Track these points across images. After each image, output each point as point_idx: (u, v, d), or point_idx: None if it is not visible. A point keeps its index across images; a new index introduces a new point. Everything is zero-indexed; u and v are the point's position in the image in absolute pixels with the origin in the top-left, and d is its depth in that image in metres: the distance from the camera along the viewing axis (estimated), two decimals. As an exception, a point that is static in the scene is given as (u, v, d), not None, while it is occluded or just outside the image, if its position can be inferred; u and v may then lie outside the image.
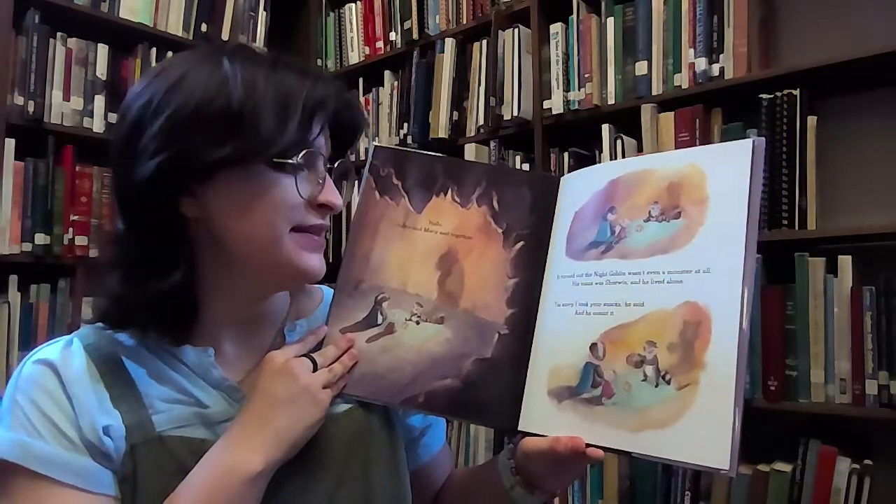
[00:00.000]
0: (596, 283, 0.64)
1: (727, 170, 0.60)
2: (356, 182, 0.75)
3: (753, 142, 0.60)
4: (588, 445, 0.59)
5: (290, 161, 0.62)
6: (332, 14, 2.56)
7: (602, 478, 1.76)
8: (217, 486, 0.58)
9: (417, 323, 0.69)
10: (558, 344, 0.65)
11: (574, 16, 1.88)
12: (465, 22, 2.16)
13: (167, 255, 0.63)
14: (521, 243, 0.71)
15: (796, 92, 1.55)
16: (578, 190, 0.69)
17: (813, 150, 1.54)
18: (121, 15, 2.08)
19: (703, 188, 0.61)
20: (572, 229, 0.68)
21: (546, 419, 0.63)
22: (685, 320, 0.58)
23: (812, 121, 1.55)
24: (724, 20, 1.66)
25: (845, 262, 1.49)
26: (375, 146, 0.73)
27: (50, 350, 0.65)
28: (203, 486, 0.58)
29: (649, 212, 0.63)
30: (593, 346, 0.62)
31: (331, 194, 0.66)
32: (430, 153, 0.78)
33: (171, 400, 0.64)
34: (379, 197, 0.72)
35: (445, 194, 0.72)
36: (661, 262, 0.61)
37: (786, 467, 1.53)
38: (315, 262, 0.66)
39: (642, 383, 0.58)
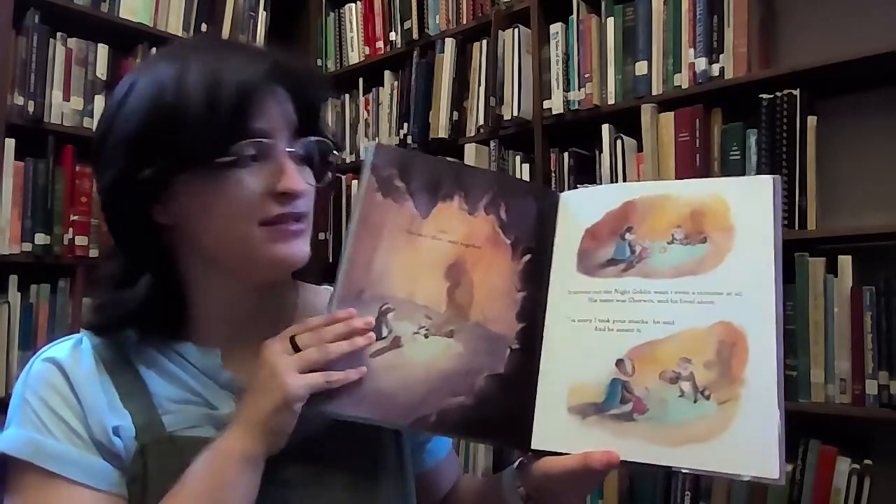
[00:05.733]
0: (618, 301, 0.65)
1: (750, 202, 0.64)
2: (329, 165, 0.70)
3: (773, 179, 0.64)
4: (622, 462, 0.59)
5: (229, 158, 0.60)
6: (332, 14, 2.56)
7: (602, 478, 1.75)
8: (204, 479, 0.58)
9: (426, 336, 0.64)
10: (578, 360, 0.65)
11: (574, 16, 1.88)
12: (465, 22, 2.16)
13: (147, 260, 0.65)
14: (529, 256, 0.69)
15: (796, 92, 1.55)
16: (586, 207, 0.70)
17: (813, 150, 1.54)
18: (121, 15, 2.08)
19: (727, 217, 0.64)
20: (584, 246, 0.68)
21: (568, 436, 0.62)
22: (720, 339, 0.60)
23: (812, 121, 1.55)
24: (724, 20, 1.66)
25: (845, 262, 1.49)
26: (377, 144, 0.69)
27: (59, 349, 0.65)
28: (194, 480, 0.58)
29: (672, 235, 0.65)
30: (620, 363, 0.63)
31: (289, 181, 0.62)
32: (433, 156, 0.76)
33: (180, 400, 0.64)
34: (382, 199, 0.67)
35: (452, 200, 0.68)
36: (689, 283, 0.63)
37: (786, 467, 1.53)
38: (290, 250, 0.64)
39: (679, 399, 0.60)
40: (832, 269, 1.51)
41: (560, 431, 0.63)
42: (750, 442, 0.57)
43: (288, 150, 0.64)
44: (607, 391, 0.62)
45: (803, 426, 1.55)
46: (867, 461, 1.47)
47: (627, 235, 0.67)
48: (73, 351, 0.65)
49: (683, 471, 0.59)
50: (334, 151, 0.70)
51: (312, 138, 0.67)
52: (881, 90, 1.62)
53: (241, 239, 0.62)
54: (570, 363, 0.65)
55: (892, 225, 1.51)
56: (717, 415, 0.58)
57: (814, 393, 1.50)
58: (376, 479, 0.68)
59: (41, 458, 0.58)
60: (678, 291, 0.63)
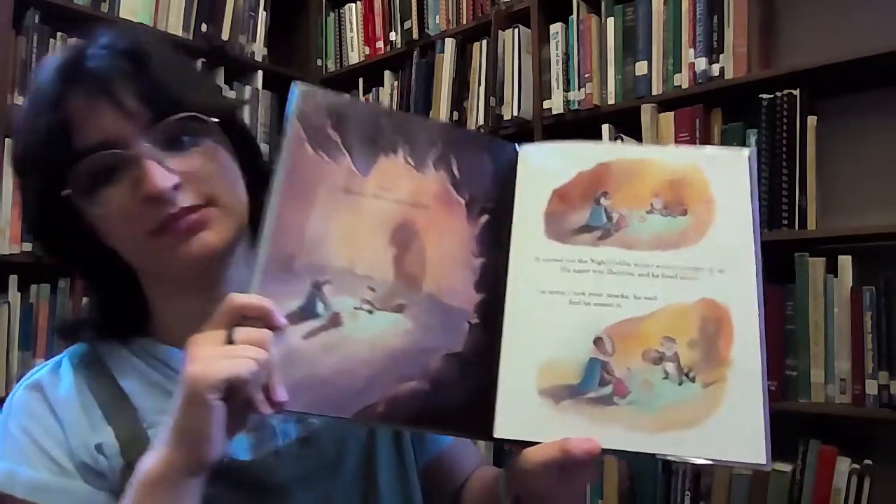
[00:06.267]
0: (595, 272, 0.60)
1: (728, 176, 0.62)
2: (210, 132, 0.61)
3: (750, 153, 0.63)
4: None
5: (74, 188, 0.57)
6: (332, 14, 2.56)
7: (602, 478, 1.76)
8: (142, 493, 0.52)
9: (370, 312, 0.56)
10: (549, 336, 0.59)
11: (574, 16, 1.88)
12: (465, 22, 2.16)
13: (99, 270, 0.66)
14: (487, 217, 0.61)
15: (796, 92, 1.56)
16: (553, 165, 0.64)
17: (813, 150, 1.54)
18: (121, 15, 2.08)
19: (706, 189, 0.62)
20: (552, 208, 0.62)
21: (539, 423, 0.57)
22: (704, 316, 0.58)
23: (812, 121, 1.55)
24: (724, 20, 1.66)
25: (845, 262, 1.49)
26: (301, 86, 0.58)
27: (40, 373, 0.65)
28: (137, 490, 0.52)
29: (652, 204, 0.62)
30: (598, 341, 0.58)
31: (148, 185, 0.56)
32: (370, 103, 0.71)
33: (166, 411, 0.60)
34: (313, 152, 0.57)
35: (396, 154, 0.60)
36: (672, 257, 0.60)
37: (786, 467, 1.53)
38: (192, 248, 0.58)
39: (664, 381, 0.56)
40: (832, 269, 1.51)
41: (529, 417, 0.57)
42: (737, 426, 0.55)
43: (145, 144, 0.57)
44: (584, 372, 0.57)
45: (803, 426, 1.55)
46: (867, 461, 1.48)
47: (603, 201, 0.62)
48: (52, 373, 0.64)
49: (668, 458, 0.56)
50: (203, 117, 0.60)
51: (173, 118, 0.58)
52: (881, 90, 1.62)
53: (141, 253, 0.61)
54: (541, 340, 0.59)
55: (892, 225, 1.51)
56: (702, 398, 0.56)
57: (814, 393, 1.50)
58: (374, 472, 0.67)
59: (18, 487, 0.58)
60: (660, 265, 0.59)
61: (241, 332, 0.50)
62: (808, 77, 1.56)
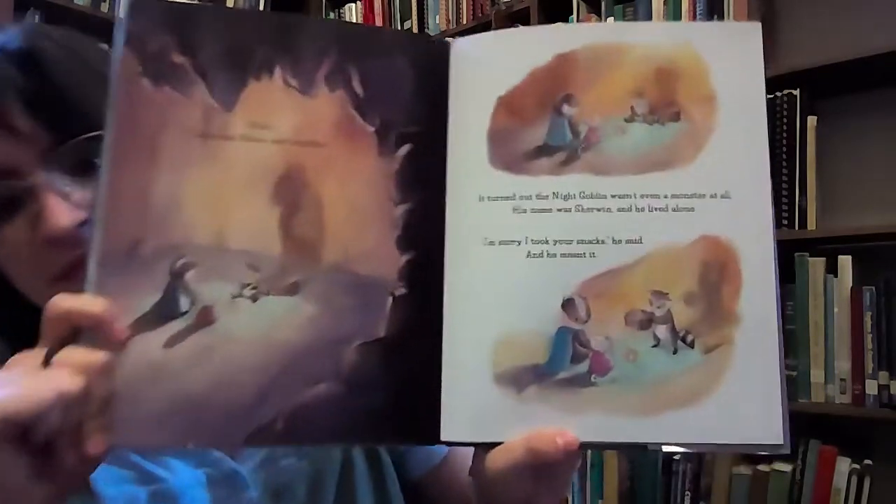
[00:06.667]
0: (558, 210, 0.45)
1: (735, 59, 0.46)
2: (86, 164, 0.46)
3: (758, 26, 0.48)
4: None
5: None
6: (332, 14, 2.56)
7: (602, 478, 1.76)
8: None
9: (254, 299, 0.42)
10: (504, 303, 0.45)
11: (574, 16, 1.89)
12: (465, 22, 2.17)
13: None
14: (409, 147, 0.46)
15: (796, 92, 1.56)
16: (497, 64, 0.47)
17: (813, 150, 1.54)
18: (121, 15, 2.08)
19: (706, 80, 0.46)
20: (498, 124, 0.46)
21: (498, 418, 0.44)
22: (704, 260, 0.44)
23: (812, 121, 1.55)
24: (723, 20, 1.66)
25: (845, 262, 1.50)
26: None
27: None
28: None
29: (632, 108, 0.46)
30: (568, 304, 0.44)
31: (47, 226, 0.45)
32: (230, 7, 0.44)
33: (119, 480, 0.48)
34: (152, 87, 0.42)
35: (271, 75, 0.44)
36: (659, 182, 0.45)
37: (786, 467, 1.54)
38: None
39: (654, 350, 0.44)
40: (832, 269, 1.51)
41: (485, 412, 0.44)
42: (746, 400, 0.43)
43: (44, 174, 0.46)
44: (552, 346, 0.44)
45: (803, 426, 1.55)
46: (867, 461, 1.48)
47: (566, 108, 0.46)
48: None
49: (664, 448, 0.45)
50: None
51: (79, 139, 0.47)
52: (881, 90, 1.62)
53: (44, 299, 0.42)
54: (492, 308, 0.45)
55: (892, 225, 1.51)
56: (704, 367, 0.43)
57: (814, 393, 1.50)
58: (352, 493, 0.57)
59: None
60: (646, 194, 0.45)
61: (62, 353, 0.37)
62: (808, 77, 1.56)
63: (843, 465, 1.47)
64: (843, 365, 1.47)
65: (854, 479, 1.45)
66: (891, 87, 1.60)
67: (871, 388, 1.44)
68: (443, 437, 0.44)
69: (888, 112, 1.62)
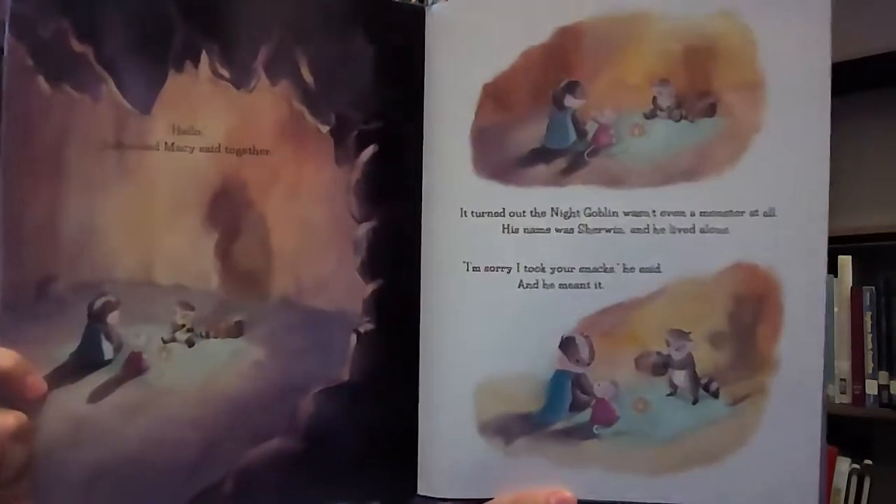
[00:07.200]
0: (558, 230, 0.38)
1: (792, 32, 0.36)
2: None
3: None
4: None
5: None
6: None
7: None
8: None
9: (190, 343, 0.37)
10: (490, 341, 0.39)
11: None
12: None
13: None
14: (373, 150, 0.38)
15: (796, 92, 1.56)
16: (481, 41, 0.38)
17: (813, 150, 1.54)
18: None
19: (752, 62, 0.37)
20: (484, 120, 0.38)
21: (483, 472, 0.38)
22: (737, 293, 0.37)
23: (812, 121, 1.55)
24: None
25: (845, 262, 1.50)
26: None
27: None
28: None
29: (654, 99, 0.37)
30: (568, 343, 0.38)
31: None
32: None
33: None
34: (48, 88, 0.35)
35: (196, 64, 0.36)
36: (686, 196, 0.37)
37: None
38: None
39: (669, 399, 0.38)
40: (832, 269, 1.51)
41: (468, 465, 0.39)
42: (779, 462, 0.38)
43: None
44: (548, 392, 0.38)
45: (803, 426, 1.55)
46: (867, 461, 1.48)
47: (569, 100, 0.38)
48: None
49: None
50: None
51: None
52: (881, 90, 1.62)
53: None
54: (477, 348, 0.39)
55: (892, 225, 1.51)
56: (729, 421, 0.37)
57: (814, 393, 1.50)
58: None
59: None
60: (668, 211, 0.37)
61: None
62: (808, 77, 1.56)
63: (843, 465, 1.47)
64: (842, 365, 1.48)
65: (854, 479, 1.45)
66: (891, 87, 1.60)
67: (871, 388, 1.44)
68: (420, 492, 0.39)
69: (888, 112, 1.62)
